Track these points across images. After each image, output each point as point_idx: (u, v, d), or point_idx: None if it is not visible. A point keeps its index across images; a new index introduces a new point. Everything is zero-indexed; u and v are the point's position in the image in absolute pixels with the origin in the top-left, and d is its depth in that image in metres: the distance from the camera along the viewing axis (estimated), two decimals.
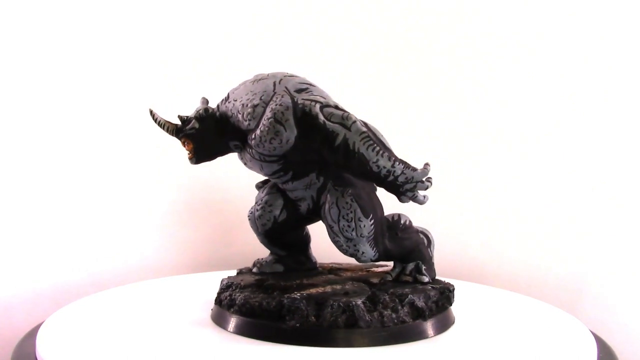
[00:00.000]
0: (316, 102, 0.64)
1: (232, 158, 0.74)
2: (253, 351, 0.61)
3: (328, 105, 0.64)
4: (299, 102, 0.64)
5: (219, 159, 0.74)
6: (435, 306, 0.68)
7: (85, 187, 0.98)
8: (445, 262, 0.85)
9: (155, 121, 0.71)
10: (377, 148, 0.62)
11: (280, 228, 0.75)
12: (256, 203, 0.76)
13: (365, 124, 0.64)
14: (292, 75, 0.69)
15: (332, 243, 0.69)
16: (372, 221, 0.67)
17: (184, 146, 0.71)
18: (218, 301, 0.71)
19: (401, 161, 0.63)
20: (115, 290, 0.85)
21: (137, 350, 0.61)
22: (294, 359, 0.59)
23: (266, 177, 0.74)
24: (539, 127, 0.99)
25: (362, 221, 0.66)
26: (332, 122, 0.63)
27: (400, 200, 0.65)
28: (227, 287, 0.72)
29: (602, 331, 0.77)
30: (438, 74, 1.06)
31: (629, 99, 0.93)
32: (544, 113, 0.98)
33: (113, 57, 1.00)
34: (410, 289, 0.67)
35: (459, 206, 1.05)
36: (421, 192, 0.64)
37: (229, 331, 0.67)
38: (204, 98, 0.73)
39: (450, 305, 0.70)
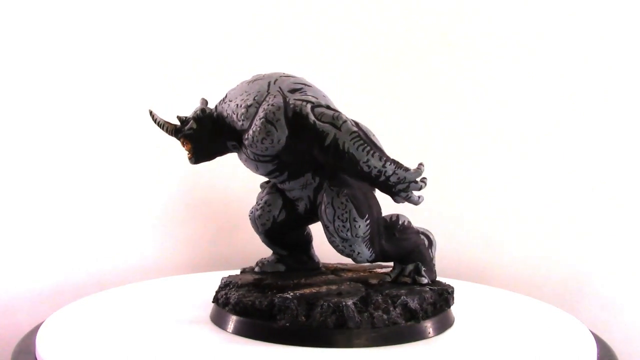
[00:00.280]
0: (307, 102, 0.64)
1: (232, 158, 0.74)
2: (245, 350, 0.61)
3: (319, 105, 0.64)
4: (290, 102, 0.65)
5: (218, 158, 0.75)
6: (432, 308, 0.67)
7: (86, 187, 0.98)
8: (445, 262, 0.85)
9: (155, 122, 0.72)
10: (368, 148, 0.62)
11: (280, 228, 0.75)
12: (257, 203, 0.76)
13: (357, 124, 0.64)
14: (288, 76, 0.69)
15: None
16: (368, 221, 0.67)
17: (183, 146, 0.71)
18: (215, 299, 0.71)
19: (393, 161, 0.62)
20: (115, 290, 0.85)
21: (137, 350, 0.61)
22: (284, 359, 0.59)
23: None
24: (539, 127, 0.99)
25: (357, 221, 0.66)
26: (322, 122, 0.63)
27: (395, 200, 0.64)
28: (225, 285, 0.72)
29: (602, 331, 0.77)
30: (438, 74, 1.06)
31: (629, 99, 0.93)
32: (544, 113, 0.98)
33: (113, 57, 1.00)
34: (406, 291, 0.67)
35: (459, 206, 1.05)
36: (416, 193, 0.63)
37: (226, 330, 0.67)
38: (203, 99, 0.73)
39: (449, 307, 0.70)
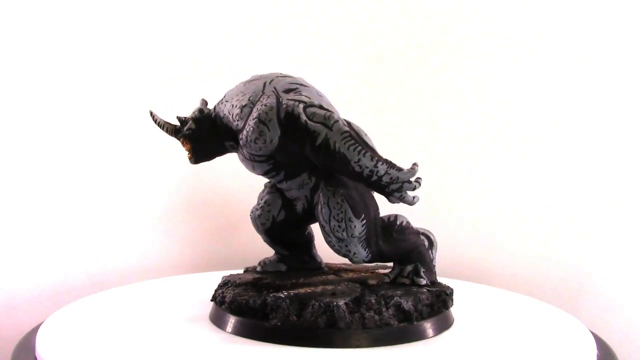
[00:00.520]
0: (300, 102, 0.64)
1: (232, 158, 0.74)
2: (239, 350, 0.61)
3: (312, 105, 0.64)
4: (283, 102, 0.65)
5: (219, 158, 0.75)
6: (429, 309, 0.67)
7: (86, 187, 0.98)
8: (445, 262, 0.85)
9: (155, 122, 0.73)
10: (359, 148, 0.62)
11: (280, 227, 0.75)
12: (257, 202, 0.76)
13: (349, 124, 0.63)
14: (284, 76, 0.69)
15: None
16: (364, 222, 0.66)
17: (183, 146, 0.72)
18: (213, 298, 0.72)
19: (385, 161, 0.62)
20: (115, 290, 0.85)
21: (137, 350, 0.61)
22: (275, 358, 0.60)
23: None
24: (539, 127, 0.99)
25: (352, 221, 0.66)
26: (314, 121, 0.63)
27: (390, 200, 0.64)
28: (224, 284, 0.73)
29: (602, 331, 0.77)
30: (438, 74, 1.06)
31: (629, 99, 0.93)
32: (544, 113, 0.98)
33: (113, 57, 1.00)
34: (402, 292, 0.66)
35: (459, 206, 1.05)
36: (410, 193, 0.63)
37: (224, 329, 0.67)
38: (203, 99, 0.74)
39: (447, 309, 0.69)
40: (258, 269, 0.77)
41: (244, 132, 0.66)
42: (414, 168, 0.62)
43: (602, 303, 0.93)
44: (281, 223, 0.75)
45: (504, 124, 1.02)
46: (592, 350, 0.64)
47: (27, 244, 0.93)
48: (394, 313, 0.64)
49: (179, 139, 0.72)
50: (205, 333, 0.66)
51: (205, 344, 0.63)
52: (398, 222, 0.71)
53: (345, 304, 0.63)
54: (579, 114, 0.96)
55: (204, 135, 0.71)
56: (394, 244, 0.70)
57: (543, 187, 0.99)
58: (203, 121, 0.71)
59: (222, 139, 0.71)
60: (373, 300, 0.64)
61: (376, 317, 0.63)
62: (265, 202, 0.75)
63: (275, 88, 0.67)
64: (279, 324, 0.63)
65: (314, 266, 0.78)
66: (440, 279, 0.74)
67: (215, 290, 0.72)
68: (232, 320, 0.67)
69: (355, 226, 0.66)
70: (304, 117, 0.63)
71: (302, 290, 0.66)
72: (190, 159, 0.72)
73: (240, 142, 0.68)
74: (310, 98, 0.66)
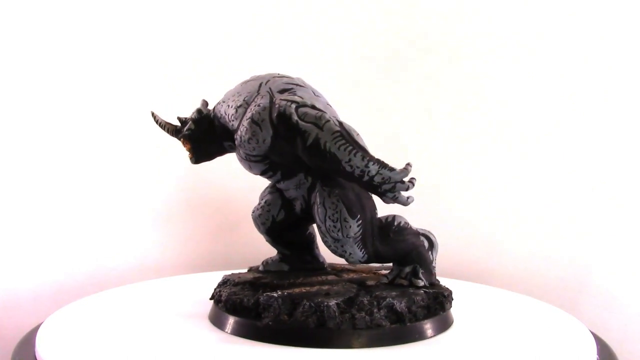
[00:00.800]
0: (292, 102, 0.64)
1: (232, 158, 0.74)
2: (234, 350, 0.61)
3: (304, 105, 0.64)
4: (275, 102, 0.65)
5: (219, 158, 0.75)
6: (425, 311, 0.66)
7: (86, 187, 0.99)
8: (445, 262, 0.85)
9: (157, 122, 0.75)
10: (350, 147, 0.61)
11: (280, 227, 0.75)
12: (258, 202, 0.77)
13: (341, 124, 0.63)
14: (281, 76, 0.69)
15: None
16: (360, 222, 0.66)
17: (184, 146, 0.73)
18: (212, 296, 0.72)
19: (377, 161, 0.61)
20: (115, 290, 0.85)
21: (137, 350, 0.61)
22: (267, 358, 0.60)
23: None
24: (539, 127, 0.99)
25: (347, 221, 0.65)
26: (305, 121, 0.63)
27: (383, 201, 0.64)
28: (223, 283, 0.73)
29: (602, 331, 0.77)
30: (438, 74, 1.06)
31: (629, 99, 0.93)
32: (544, 113, 0.98)
33: (113, 57, 1.00)
34: (398, 293, 0.66)
35: (459, 206, 1.05)
36: (405, 193, 0.62)
37: (222, 329, 0.67)
38: (203, 100, 0.74)
39: (444, 311, 0.69)
40: (260, 268, 0.78)
41: (238, 132, 0.67)
42: (407, 168, 0.61)
43: (602, 303, 0.93)
44: (281, 223, 0.75)
45: (504, 124, 1.02)
46: (592, 350, 0.64)
47: (27, 245, 0.93)
48: (386, 314, 0.64)
49: (179, 139, 0.73)
50: (203, 333, 0.66)
51: (202, 343, 0.63)
52: (395, 223, 0.70)
53: (337, 304, 0.63)
54: (579, 114, 0.96)
55: (203, 136, 0.72)
56: (391, 244, 0.69)
57: (543, 187, 0.99)
58: (202, 122, 0.72)
59: (220, 140, 0.72)
60: (365, 301, 0.64)
61: (367, 317, 0.63)
62: (265, 202, 0.75)
63: (270, 89, 0.67)
64: (270, 323, 0.63)
65: (317, 266, 0.78)
66: (440, 279, 0.74)
67: (215, 289, 0.72)
68: (229, 320, 0.67)
69: (350, 226, 0.66)
70: (295, 117, 0.63)
71: (296, 290, 0.66)
72: (191, 158, 0.73)
73: (236, 142, 0.68)
74: (303, 98, 0.66)
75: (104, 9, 0.99)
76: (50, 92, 0.95)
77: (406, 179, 0.61)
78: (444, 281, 0.75)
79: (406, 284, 0.69)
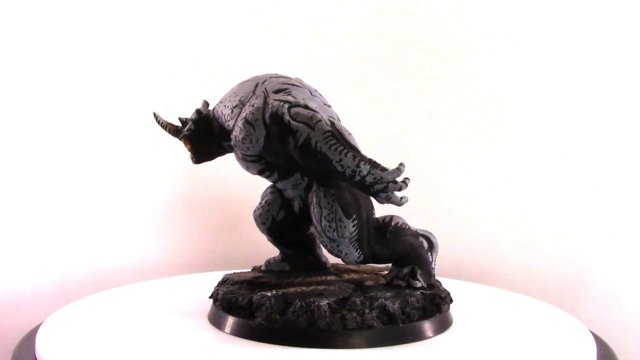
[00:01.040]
0: (285, 102, 0.64)
1: (232, 157, 0.74)
2: (229, 349, 0.61)
3: (297, 105, 0.64)
4: (269, 102, 0.65)
5: (219, 158, 0.75)
6: (421, 312, 0.66)
7: (85, 187, 0.99)
8: (445, 262, 0.85)
9: (159, 123, 0.75)
10: (341, 147, 0.61)
11: (280, 227, 0.75)
12: (260, 202, 0.77)
13: (332, 124, 0.63)
14: (278, 76, 0.69)
15: None
16: (355, 222, 0.66)
17: (185, 146, 0.73)
18: (211, 295, 0.72)
19: (369, 161, 0.61)
20: (115, 290, 0.85)
21: (136, 350, 0.61)
22: (260, 357, 0.60)
23: None
24: (539, 127, 0.99)
25: (343, 222, 0.65)
26: (297, 121, 0.63)
27: (377, 201, 0.63)
28: (223, 282, 0.73)
29: (602, 331, 0.77)
30: (438, 74, 1.06)
31: (629, 99, 0.93)
32: (544, 113, 0.98)
33: (113, 57, 1.00)
34: (393, 294, 0.66)
35: (459, 206, 1.05)
36: (399, 194, 0.62)
37: (219, 327, 0.67)
38: (204, 101, 0.74)
39: (441, 313, 0.68)
40: (262, 268, 0.78)
41: (234, 132, 0.68)
42: (399, 168, 0.60)
43: (602, 303, 0.93)
44: (281, 223, 0.75)
45: (503, 124, 1.02)
46: (592, 350, 0.64)
47: (27, 245, 0.93)
48: (378, 315, 0.63)
49: (180, 139, 0.73)
50: (201, 332, 0.66)
51: (199, 343, 0.63)
52: (393, 223, 0.69)
53: (328, 304, 0.63)
54: (579, 114, 0.96)
55: (203, 136, 0.72)
56: (387, 245, 0.69)
57: (543, 187, 0.99)
58: (202, 122, 0.72)
59: (220, 140, 0.72)
60: (358, 302, 0.63)
61: (358, 318, 0.62)
62: (265, 202, 0.76)
63: (265, 89, 0.67)
64: (262, 322, 0.63)
65: (319, 266, 0.78)
66: (440, 279, 0.74)
67: (214, 288, 0.73)
68: (225, 319, 0.67)
69: (345, 226, 0.65)
70: (287, 117, 0.63)
71: (291, 290, 0.66)
72: (192, 158, 0.74)
73: (232, 142, 0.69)
74: (296, 98, 0.66)
75: (104, 9, 0.99)
76: (51, 92, 0.95)
77: (399, 179, 0.61)
78: (444, 281, 0.75)
79: (404, 285, 0.69)
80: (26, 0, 0.92)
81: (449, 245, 0.88)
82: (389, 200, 0.62)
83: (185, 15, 1.07)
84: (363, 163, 0.60)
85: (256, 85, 0.68)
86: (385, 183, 0.60)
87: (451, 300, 0.71)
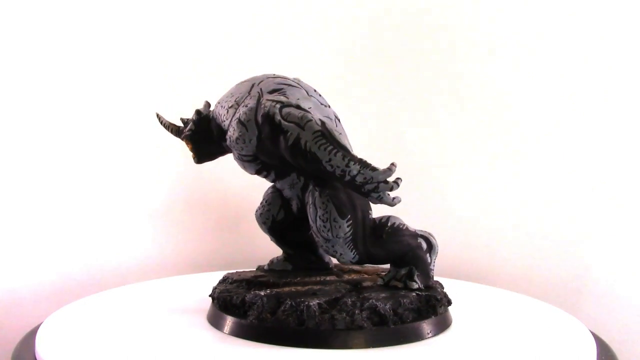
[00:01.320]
0: (277, 102, 0.64)
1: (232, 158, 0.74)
2: (224, 349, 0.62)
3: (288, 105, 0.64)
4: (262, 102, 0.65)
5: (220, 158, 0.75)
6: (415, 314, 0.65)
7: (85, 187, 0.99)
8: (445, 262, 0.85)
9: (161, 123, 0.76)
10: (330, 147, 0.61)
11: (280, 227, 0.75)
12: (261, 201, 0.77)
13: (323, 124, 0.62)
14: (275, 76, 0.70)
15: None
16: (350, 222, 0.65)
17: (187, 146, 0.74)
18: (210, 294, 0.72)
19: (359, 161, 0.60)
20: (115, 291, 0.85)
21: (136, 350, 0.61)
22: (251, 356, 0.60)
23: None
24: (539, 127, 0.99)
25: (337, 222, 0.65)
26: (288, 121, 0.63)
27: (370, 201, 0.63)
28: (222, 280, 0.73)
29: (602, 331, 0.77)
30: (438, 74, 1.06)
31: (629, 99, 0.93)
32: (544, 113, 0.98)
33: (113, 57, 1.00)
34: (386, 295, 0.65)
35: (459, 206, 1.05)
36: (391, 194, 0.61)
37: (217, 327, 0.67)
38: (206, 101, 0.75)
39: (436, 315, 0.67)
40: (265, 267, 0.78)
41: (228, 132, 0.68)
42: (390, 168, 0.60)
43: (602, 303, 0.93)
44: (281, 222, 0.75)
45: (503, 124, 1.02)
46: (592, 350, 0.64)
47: (27, 245, 0.93)
48: (368, 316, 0.63)
49: (181, 139, 0.74)
50: (200, 332, 0.67)
51: (197, 342, 0.63)
52: (389, 224, 0.69)
53: (318, 304, 0.63)
54: (579, 114, 0.96)
55: (204, 136, 0.73)
56: (383, 245, 0.68)
57: (543, 187, 0.99)
58: (202, 123, 0.73)
59: (219, 140, 0.72)
60: (349, 302, 0.63)
61: (347, 318, 0.62)
62: (266, 202, 0.76)
63: (261, 89, 0.68)
64: (254, 321, 0.63)
65: (321, 266, 0.77)
66: (439, 279, 0.74)
67: (214, 287, 0.73)
68: (223, 318, 0.67)
69: (340, 226, 0.65)
70: (278, 117, 0.63)
71: (285, 289, 0.66)
72: (193, 158, 0.74)
73: (227, 142, 0.69)
74: (289, 98, 0.66)
75: (104, 10, 0.99)
76: (51, 92, 0.95)
77: (391, 179, 0.60)
78: (443, 281, 0.75)
79: (400, 286, 0.68)
80: (27, 1, 0.92)
81: (448, 245, 0.88)
82: (380, 200, 0.61)
83: (185, 15, 1.07)
84: (353, 163, 0.60)
85: (252, 86, 0.69)
86: (376, 183, 0.60)
87: (449, 302, 0.71)
